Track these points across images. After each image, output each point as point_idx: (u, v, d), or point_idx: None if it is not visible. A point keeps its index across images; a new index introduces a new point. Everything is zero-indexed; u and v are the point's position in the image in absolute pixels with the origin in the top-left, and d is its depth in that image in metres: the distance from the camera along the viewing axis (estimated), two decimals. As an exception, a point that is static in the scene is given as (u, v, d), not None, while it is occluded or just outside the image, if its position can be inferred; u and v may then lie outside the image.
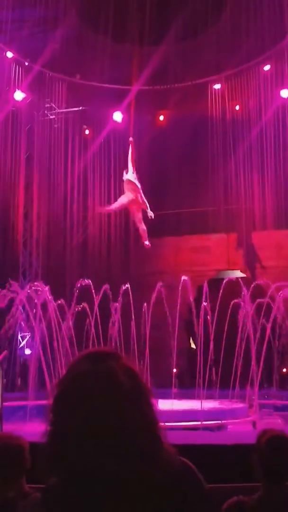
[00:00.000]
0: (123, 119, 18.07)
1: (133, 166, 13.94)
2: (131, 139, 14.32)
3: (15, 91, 16.96)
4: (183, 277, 13.19)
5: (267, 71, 17.26)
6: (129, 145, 14.26)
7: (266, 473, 2.98)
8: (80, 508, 1.42)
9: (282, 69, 16.89)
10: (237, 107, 18.38)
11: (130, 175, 13.87)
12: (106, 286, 12.80)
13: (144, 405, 1.50)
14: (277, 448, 3.01)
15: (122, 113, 17.99)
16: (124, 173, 14.03)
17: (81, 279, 13.27)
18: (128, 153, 14.34)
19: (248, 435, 7.70)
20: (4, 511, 1.56)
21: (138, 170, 14.44)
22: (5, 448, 3.32)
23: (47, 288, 12.49)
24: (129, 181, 13.77)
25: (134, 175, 13.89)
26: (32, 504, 1.50)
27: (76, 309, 12.65)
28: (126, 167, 14.49)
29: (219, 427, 9.64)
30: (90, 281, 12.92)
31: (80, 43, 16.86)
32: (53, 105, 18.36)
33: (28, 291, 12.74)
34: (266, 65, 17.26)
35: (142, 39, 16.17)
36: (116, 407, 1.44)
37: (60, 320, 12.27)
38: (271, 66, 17.19)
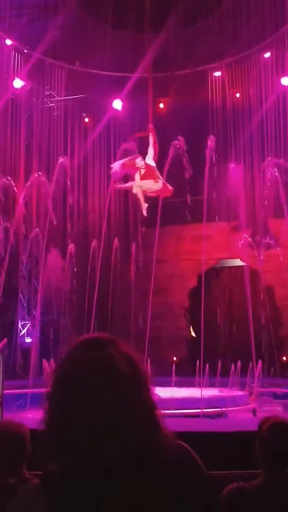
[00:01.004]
0: (123, 106, 17.99)
1: (154, 152, 13.76)
2: (151, 125, 14.20)
3: (14, 78, 16.88)
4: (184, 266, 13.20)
5: (267, 58, 17.18)
6: (149, 132, 14.13)
7: (267, 459, 2.99)
8: (79, 495, 1.42)
9: (282, 56, 16.81)
10: (238, 95, 18.30)
11: (149, 159, 13.75)
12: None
13: (143, 391, 1.49)
14: (279, 435, 3.02)
15: (122, 100, 17.91)
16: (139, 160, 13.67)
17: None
18: (149, 139, 14.16)
19: (248, 423, 7.73)
20: (4, 497, 1.57)
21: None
22: (5, 435, 3.33)
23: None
24: (148, 166, 13.63)
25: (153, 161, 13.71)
26: (30, 489, 1.49)
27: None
28: (125, 154, 14.34)
29: (219, 415, 9.66)
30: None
31: (80, 30, 16.77)
32: (53, 93, 18.28)
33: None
34: (267, 52, 17.17)
35: (142, 26, 16.07)
36: (114, 393, 1.44)
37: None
38: (271, 53, 17.10)
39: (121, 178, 14.12)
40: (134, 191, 13.55)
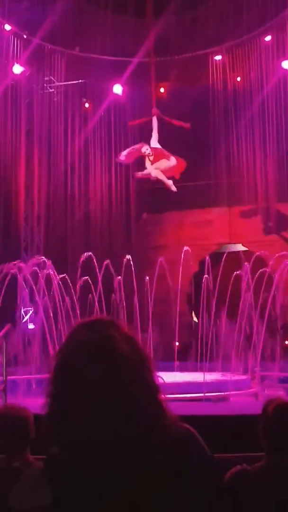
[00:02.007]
0: (123, 91, 17.91)
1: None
2: (155, 109, 14.18)
3: (14, 64, 16.78)
4: (185, 248, 13.20)
5: (268, 41, 17.05)
6: (153, 116, 14.11)
7: (270, 441, 3.00)
8: (82, 477, 1.43)
9: (283, 40, 16.68)
10: (239, 79, 18.19)
11: (154, 142, 13.75)
12: (108, 261, 12.83)
13: (144, 371, 1.50)
14: (284, 416, 3.03)
15: (122, 85, 17.82)
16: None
17: (84, 253, 13.24)
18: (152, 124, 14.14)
19: (251, 406, 7.77)
20: (9, 480, 1.59)
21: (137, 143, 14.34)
22: (10, 418, 3.36)
23: (49, 262, 12.49)
24: (155, 149, 13.65)
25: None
26: (34, 473, 1.50)
27: (79, 283, 12.64)
28: (126, 140, 14.33)
29: (222, 399, 9.71)
30: (92, 255, 12.93)
31: (80, 15, 16.64)
32: (52, 78, 18.18)
33: (35, 268, 12.70)
34: (267, 35, 17.03)
35: (143, 10, 15.93)
36: (116, 374, 1.44)
37: (64, 294, 12.29)
38: (272, 37, 16.96)
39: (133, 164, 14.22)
40: (154, 175, 13.63)
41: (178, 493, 1.45)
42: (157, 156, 13.50)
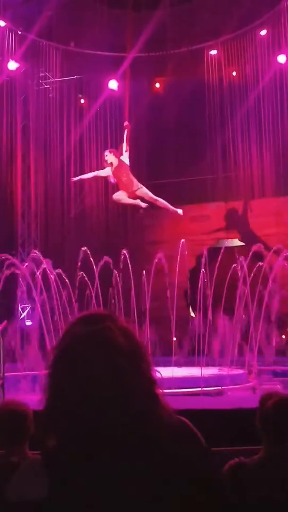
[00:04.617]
0: (119, 86, 17.88)
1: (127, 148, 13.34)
2: (126, 123, 13.67)
3: (8, 60, 16.73)
4: (182, 240, 13.19)
5: (263, 36, 17.03)
6: (124, 129, 13.60)
7: (268, 434, 3.02)
8: (80, 468, 1.45)
9: (278, 34, 16.65)
10: (234, 73, 18.17)
11: (125, 157, 13.32)
12: (106, 258, 12.84)
13: (142, 364, 1.51)
14: (281, 409, 3.05)
15: (118, 80, 17.77)
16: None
17: (81, 249, 13.21)
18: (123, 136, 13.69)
19: (248, 400, 7.79)
20: (7, 475, 1.60)
21: (135, 139, 14.23)
22: (9, 414, 3.36)
23: (46, 260, 12.46)
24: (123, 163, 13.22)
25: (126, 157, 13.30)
26: (31, 465, 1.51)
27: (77, 279, 12.63)
28: (121, 135, 14.16)
29: (219, 393, 9.74)
30: (88, 251, 12.92)
31: (75, 9, 16.59)
32: (48, 74, 18.15)
33: (27, 264, 12.68)
34: (263, 29, 17.01)
35: (138, 4, 15.91)
36: (114, 366, 1.45)
37: (62, 290, 12.29)
38: (267, 31, 16.94)
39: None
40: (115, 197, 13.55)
41: (174, 485, 1.46)
42: (119, 170, 13.18)
